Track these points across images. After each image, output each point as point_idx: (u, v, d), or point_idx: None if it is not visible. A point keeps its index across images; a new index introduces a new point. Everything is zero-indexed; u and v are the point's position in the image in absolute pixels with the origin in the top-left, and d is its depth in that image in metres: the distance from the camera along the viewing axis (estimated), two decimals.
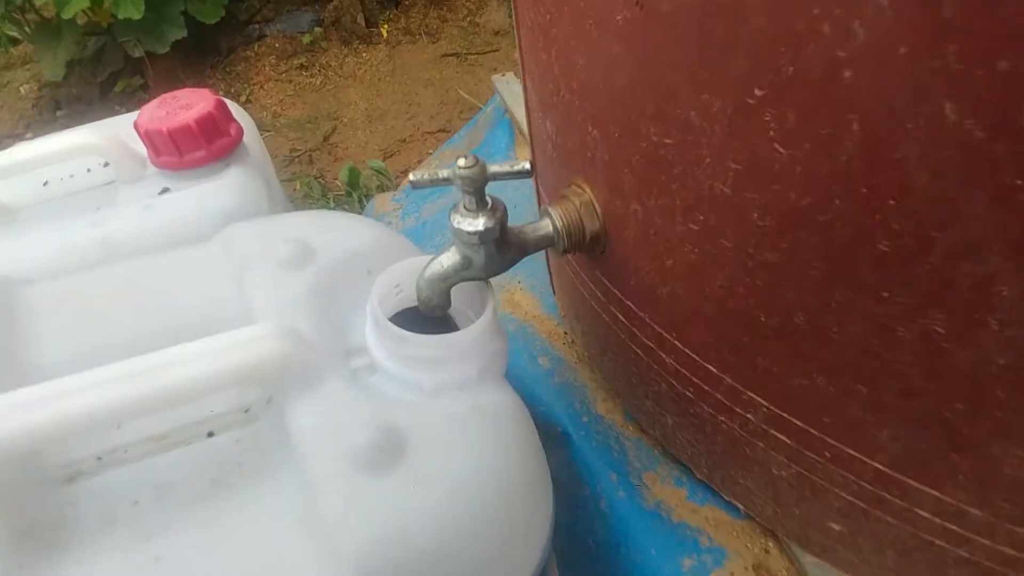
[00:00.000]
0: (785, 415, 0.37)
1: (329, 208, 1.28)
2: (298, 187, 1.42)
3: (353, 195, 1.29)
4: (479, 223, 0.38)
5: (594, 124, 0.37)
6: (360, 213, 1.26)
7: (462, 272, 0.41)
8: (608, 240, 0.43)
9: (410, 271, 0.44)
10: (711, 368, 0.39)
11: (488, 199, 0.39)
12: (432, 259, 0.41)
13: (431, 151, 1.45)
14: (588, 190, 0.43)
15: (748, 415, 0.39)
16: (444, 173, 0.37)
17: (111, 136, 0.65)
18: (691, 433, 0.47)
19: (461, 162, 0.36)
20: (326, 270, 0.45)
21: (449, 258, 0.40)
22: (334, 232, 0.48)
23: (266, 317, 0.41)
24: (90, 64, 1.73)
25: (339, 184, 1.34)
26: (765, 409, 0.37)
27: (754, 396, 0.37)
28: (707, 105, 0.27)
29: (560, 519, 0.46)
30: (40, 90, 1.83)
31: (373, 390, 0.39)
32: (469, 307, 0.47)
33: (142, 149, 0.62)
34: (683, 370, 0.42)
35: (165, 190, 0.65)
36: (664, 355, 0.43)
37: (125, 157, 0.65)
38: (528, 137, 0.57)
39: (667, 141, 0.30)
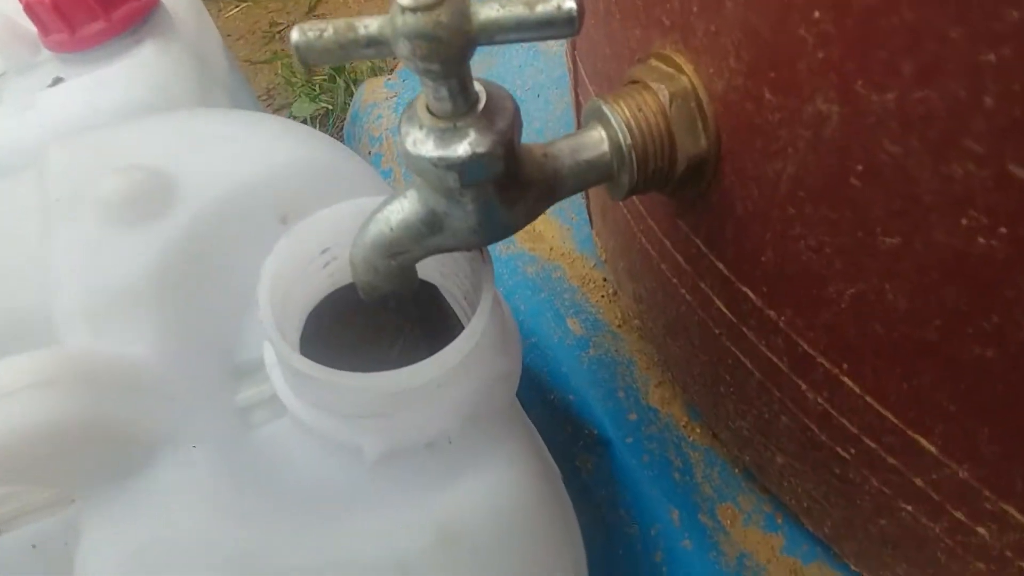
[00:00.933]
0: None
1: (312, 98, 1.05)
2: (279, 70, 1.18)
3: (338, 80, 1.05)
4: (462, 144, 0.17)
5: None
6: (346, 104, 1.03)
7: (426, 239, 0.21)
8: (721, 173, 0.22)
9: (348, 224, 0.24)
10: (923, 443, 0.20)
11: (478, 88, 0.18)
12: (373, 215, 0.21)
13: None
14: (687, 68, 0.21)
15: (981, 528, 0.20)
16: (370, 26, 0.16)
17: None
18: (824, 494, 0.29)
19: None
20: (196, 221, 0.25)
21: (401, 211, 0.20)
22: (220, 148, 0.28)
23: (68, 328, 0.22)
24: None
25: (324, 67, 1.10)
26: None
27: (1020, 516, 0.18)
28: None
29: (594, 567, 0.29)
30: None
31: (257, 470, 0.21)
32: (452, 280, 0.27)
33: (34, 28, 0.45)
34: (844, 420, 0.23)
35: (57, 80, 0.49)
36: (805, 386, 0.24)
37: (9, 39, 0.47)
38: None
39: None
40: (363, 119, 0.81)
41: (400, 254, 0.21)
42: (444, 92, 0.17)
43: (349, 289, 0.27)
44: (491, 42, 0.16)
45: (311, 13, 1.31)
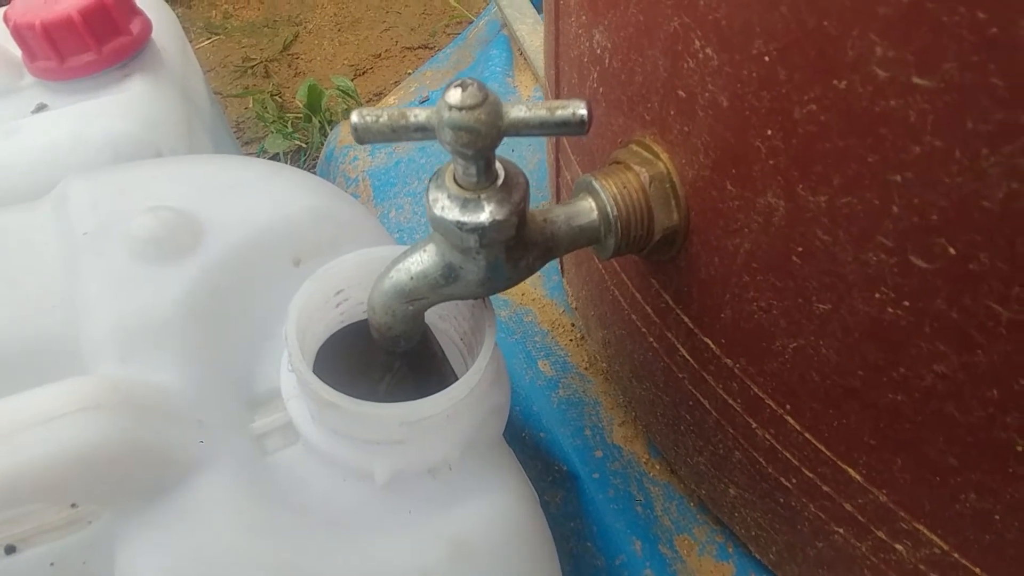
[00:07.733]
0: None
1: (285, 135, 1.07)
2: (251, 104, 1.19)
3: (313, 120, 1.08)
4: (483, 212, 0.21)
5: (706, 35, 0.20)
6: (320, 143, 1.06)
7: (442, 288, 0.24)
8: (689, 243, 0.26)
9: (361, 270, 0.27)
10: (851, 473, 0.24)
11: (500, 168, 0.22)
12: (394, 264, 0.24)
13: (410, 71, 1.23)
14: (664, 156, 0.25)
15: (899, 546, 0.24)
16: (419, 116, 0.19)
17: None
18: (770, 521, 0.32)
19: (454, 96, 0.18)
20: (219, 261, 0.27)
21: (421, 264, 0.23)
22: (241, 194, 0.30)
23: (97, 355, 0.24)
24: None
25: (298, 104, 1.12)
26: (948, 559, 0.22)
27: (934, 538, 0.22)
28: None
29: None
30: None
31: (275, 491, 0.23)
32: (451, 322, 0.30)
33: (19, 52, 0.46)
34: (787, 454, 0.27)
35: (41, 107, 0.49)
36: (755, 424, 0.28)
37: None
38: (550, 58, 0.38)
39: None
40: (339, 160, 0.83)
41: (417, 300, 0.24)
42: (473, 170, 0.20)
43: (348, 327, 0.29)
44: (517, 135, 0.20)
45: (286, 51, 1.34)
